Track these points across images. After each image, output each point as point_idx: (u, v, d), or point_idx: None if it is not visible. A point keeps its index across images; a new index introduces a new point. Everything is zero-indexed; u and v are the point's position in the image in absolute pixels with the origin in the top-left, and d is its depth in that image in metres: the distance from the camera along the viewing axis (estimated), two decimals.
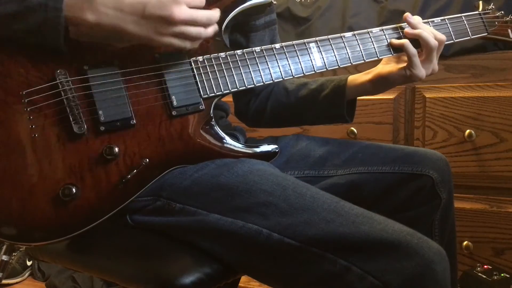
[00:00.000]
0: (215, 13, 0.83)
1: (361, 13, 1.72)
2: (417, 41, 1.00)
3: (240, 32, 1.10)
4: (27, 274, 2.09)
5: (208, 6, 0.92)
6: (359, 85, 1.07)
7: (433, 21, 1.06)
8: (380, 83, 1.06)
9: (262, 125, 1.19)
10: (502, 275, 1.38)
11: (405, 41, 1.00)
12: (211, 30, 0.83)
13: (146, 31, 0.77)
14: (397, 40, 1.01)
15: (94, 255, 0.88)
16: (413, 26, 1.01)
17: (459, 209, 1.51)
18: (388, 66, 1.04)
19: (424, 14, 1.59)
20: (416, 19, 1.02)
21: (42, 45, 0.77)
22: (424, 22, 1.03)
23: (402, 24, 1.03)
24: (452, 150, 1.55)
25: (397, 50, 1.02)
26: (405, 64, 1.01)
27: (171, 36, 0.79)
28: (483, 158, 1.52)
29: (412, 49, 0.99)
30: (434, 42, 0.99)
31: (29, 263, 2.09)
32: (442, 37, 1.01)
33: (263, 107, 1.16)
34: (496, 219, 1.53)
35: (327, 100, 1.09)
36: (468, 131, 1.52)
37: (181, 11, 0.77)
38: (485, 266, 1.44)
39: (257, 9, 0.98)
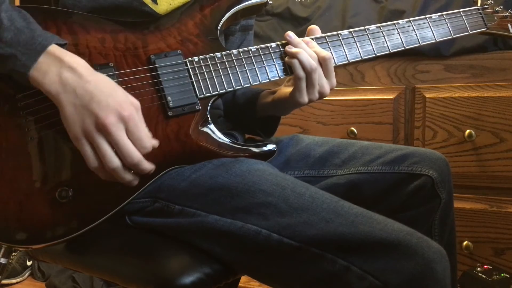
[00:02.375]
0: (147, 165, 0.76)
1: (361, 13, 1.72)
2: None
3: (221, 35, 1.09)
4: (27, 274, 2.09)
5: (204, 7, 0.93)
6: (264, 104, 1.04)
7: (315, 38, 0.95)
8: (276, 106, 1.01)
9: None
10: (502, 275, 1.38)
11: (294, 61, 0.90)
12: (127, 176, 0.76)
13: (76, 119, 0.73)
14: (289, 59, 0.92)
15: (94, 255, 0.88)
16: (293, 45, 0.92)
17: (459, 209, 1.51)
18: (284, 88, 0.99)
19: (424, 13, 1.58)
20: (297, 39, 0.92)
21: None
22: (313, 38, 0.95)
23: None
24: (452, 150, 1.55)
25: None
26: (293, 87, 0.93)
27: (91, 141, 0.73)
28: (483, 158, 1.52)
29: (299, 72, 0.90)
30: (310, 64, 0.89)
31: (29, 263, 2.09)
32: (325, 55, 0.91)
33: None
34: (496, 219, 1.53)
35: (241, 109, 1.07)
36: (468, 131, 1.52)
37: (116, 126, 0.72)
38: (485, 266, 1.44)
39: (253, 10, 0.98)
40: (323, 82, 0.92)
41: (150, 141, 0.77)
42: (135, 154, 0.75)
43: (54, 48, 0.75)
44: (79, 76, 0.74)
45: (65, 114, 0.74)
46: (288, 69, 0.93)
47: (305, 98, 0.92)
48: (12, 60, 0.73)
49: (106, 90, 0.74)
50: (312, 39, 0.96)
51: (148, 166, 0.77)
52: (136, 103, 0.76)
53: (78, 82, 0.73)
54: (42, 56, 0.74)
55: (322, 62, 0.92)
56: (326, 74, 0.93)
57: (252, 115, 1.06)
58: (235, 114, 1.10)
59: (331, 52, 0.96)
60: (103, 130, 0.73)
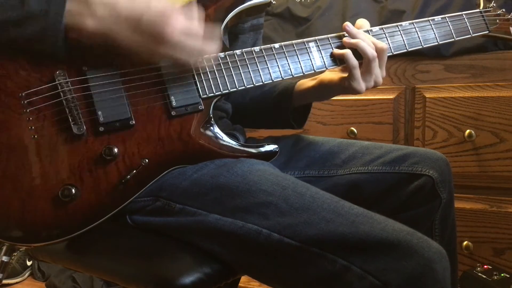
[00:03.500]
0: (215, 30, 0.82)
1: (361, 13, 1.72)
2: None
3: (228, 34, 1.09)
4: (27, 274, 2.09)
5: (208, 6, 0.93)
6: (304, 90, 1.06)
7: (371, 30, 1.00)
8: (321, 91, 1.04)
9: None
10: (502, 275, 1.38)
11: (346, 51, 0.95)
12: (211, 47, 0.82)
13: (140, 42, 0.77)
14: (339, 50, 0.96)
15: (94, 255, 0.88)
16: (352, 36, 0.96)
17: (459, 209, 1.51)
18: (331, 74, 1.02)
19: (424, 13, 1.59)
20: (355, 29, 0.97)
21: (41, 51, 0.77)
22: (365, 31, 0.99)
23: (345, 33, 0.98)
24: (452, 150, 1.55)
25: (341, 61, 0.97)
26: (346, 75, 0.97)
27: (164, 55, 0.79)
28: (483, 158, 1.52)
29: (353, 61, 0.94)
30: (372, 53, 0.94)
31: (29, 263, 2.09)
32: (382, 46, 0.96)
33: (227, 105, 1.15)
34: (496, 219, 1.53)
35: (274, 102, 1.09)
36: (468, 131, 1.52)
37: (175, 29, 0.77)
38: (485, 266, 1.44)
39: (257, 9, 0.98)
40: (378, 72, 0.96)
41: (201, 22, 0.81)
42: (202, 30, 0.79)
43: None
44: (112, 7, 0.75)
45: (126, 46, 0.77)
46: (337, 60, 0.96)
47: (362, 86, 0.96)
48: (43, 16, 0.73)
49: (143, 3, 0.76)
50: (368, 31, 0.99)
51: (217, 29, 0.85)
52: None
53: (115, 9, 0.75)
54: (68, 3, 0.74)
55: (379, 52, 0.95)
56: (381, 64, 0.96)
57: (288, 106, 1.07)
58: (265, 109, 1.11)
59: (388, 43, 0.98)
60: (169, 41, 0.77)
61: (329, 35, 0.98)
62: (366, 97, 1.67)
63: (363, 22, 1.00)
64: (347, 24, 0.97)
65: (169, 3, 0.77)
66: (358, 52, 0.95)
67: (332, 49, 0.97)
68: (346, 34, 0.97)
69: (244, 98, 1.13)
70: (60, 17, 0.74)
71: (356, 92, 0.96)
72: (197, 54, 0.82)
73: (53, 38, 0.75)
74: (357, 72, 0.95)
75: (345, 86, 0.97)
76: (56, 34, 0.75)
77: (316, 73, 0.99)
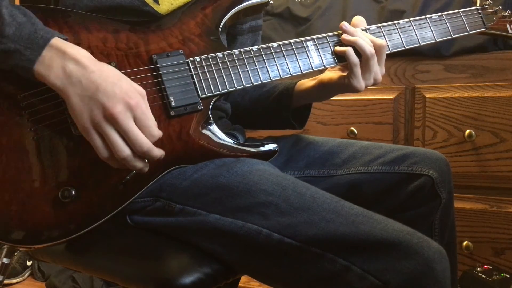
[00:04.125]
0: (157, 152, 0.76)
1: (361, 13, 1.69)
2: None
3: (227, 35, 1.09)
4: (27, 274, 2.09)
5: (206, 6, 0.93)
6: (304, 91, 1.06)
7: (369, 29, 1.00)
8: (321, 91, 1.04)
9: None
10: (502, 275, 1.38)
11: (348, 48, 0.95)
12: (139, 163, 0.76)
13: (84, 111, 0.73)
14: (340, 47, 0.96)
15: (94, 255, 0.88)
16: (349, 34, 0.96)
17: (459, 209, 1.51)
18: (331, 73, 1.02)
19: (424, 13, 1.58)
20: (352, 28, 0.97)
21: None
22: (363, 30, 0.99)
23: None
24: (452, 150, 1.55)
25: (340, 59, 0.97)
26: (346, 73, 0.97)
27: (100, 131, 0.73)
28: (483, 158, 1.52)
29: (354, 58, 0.94)
30: (370, 50, 0.94)
31: (29, 263, 2.09)
32: (381, 43, 0.96)
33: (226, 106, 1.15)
34: (496, 219, 1.53)
35: (274, 102, 1.09)
36: (468, 131, 1.52)
37: (124, 114, 0.72)
38: (485, 266, 1.44)
39: (254, 9, 0.98)
40: (377, 69, 0.96)
41: (158, 129, 0.77)
42: (145, 142, 0.74)
43: (56, 41, 0.75)
44: (83, 67, 0.74)
45: (72, 106, 0.74)
46: (336, 58, 0.97)
47: (362, 83, 0.96)
48: (16, 55, 0.73)
49: (111, 80, 0.74)
50: (366, 30, 0.99)
51: (158, 152, 0.77)
52: (142, 91, 0.76)
53: (83, 73, 0.73)
54: (46, 50, 0.73)
55: (378, 49, 0.95)
56: (380, 62, 0.96)
57: (288, 106, 1.07)
58: (265, 109, 1.10)
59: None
60: (111, 120, 0.73)
61: (327, 34, 0.98)
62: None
63: (359, 20, 1.00)
64: (344, 23, 0.97)
65: (134, 93, 0.74)
66: (357, 50, 0.95)
67: (331, 48, 0.97)
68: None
69: (243, 98, 1.13)
70: (32, 62, 0.73)
71: (356, 90, 0.96)
72: (121, 158, 0.74)
73: (26, 74, 0.75)
74: (358, 70, 0.95)
75: (345, 84, 0.97)
76: (27, 72, 0.74)
77: (315, 72, 0.98)
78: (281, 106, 1.09)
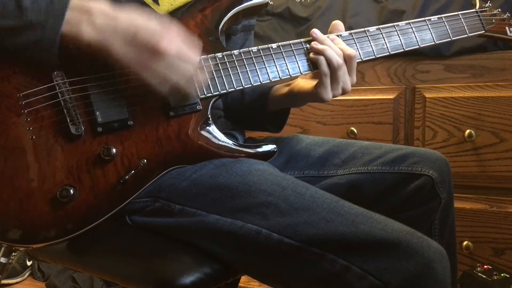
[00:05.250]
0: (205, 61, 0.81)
1: (361, 13, 1.72)
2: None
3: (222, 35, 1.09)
4: (27, 274, 2.09)
5: (205, 7, 0.93)
6: (278, 96, 1.06)
7: (341, 35, 0.97)
8: (292, 98, 1.03)
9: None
10: (502, 275, 1.38)
11: (320, 58, 0.92)
12: (202, 76, 0.82)
13: (132, 58, 0.77)
14: (314, 55, 0.94)
15: (94, 255, 0.88)
16: (319, 42, 0.94)
17: (459, 209, 1.51)
18: (302, 81, 1.01)
19: (424, 14, 1.59)
20: (322, 36, 0.95)
21: (33, 58, 0.77)
22: (337, 35, 0.97)
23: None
24: (452, 150, 1.55)
25: (316, 66, 0.94)
26: (316, 82, 0.95)
27: (155, 70, 0.78)
28: (483, 158, 1.52)
29: (325, 68, 0.92)
30: (337, 61, 0.91)
31: (29, 263, 2.09)
32: (350, 52, 0.93)
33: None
34: (496, 219, 1.53)
35: (250, 105, 1.09)
36: (468, 131, 1.52)
37: (169, 46, 0.76)
38: (485, 266, 1.44)
39: (254, 10, 0.98)
40: (347, 79, 0.94)
41: (199, 45, 0.81)
42: (195, 51, 0.80)
43: (76, 1, 0.75)
44: (112, 18, 0.76)
45: (118, 55, 0.76)
46: (311, 65, 0.94)
47: (329, 95, 0.93)
48: (39, 27, 0.73)
49: (142, 18, 0.77)
50: (338, 36, 0.97)
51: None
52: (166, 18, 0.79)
53: (115, 22, 0.75)
54: (68, 13, 0.74)
55: (347, 59, 0.93)
56: (350, 72, 0.94)
57: (262, 109, 1.07)
58: (243, 111, 1.10)
59: (356, 49, 0.97)
60: (162, 52, 0.76)
61: (302, 39, 0.96)
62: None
63: (338, 24, 0.98)
64: (315, 31, 0.95)
65: (168, 24, 0.77)
66: None
67: (306, 54, 0.95)
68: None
69: (226, 98, 1.13)
70: (57, 30, 0.74)
71: (323, 100, 0.94)
72: (188, 79, 0.80)
73: (48, 48, 0.75)
74: (327, 80, 0.92)
75: (313, 93, 0.95)
76: (52, 45, 0.75)
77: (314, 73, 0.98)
78: (256, 109, 1.08)
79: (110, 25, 0.75)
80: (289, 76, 0.94)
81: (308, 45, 0.95)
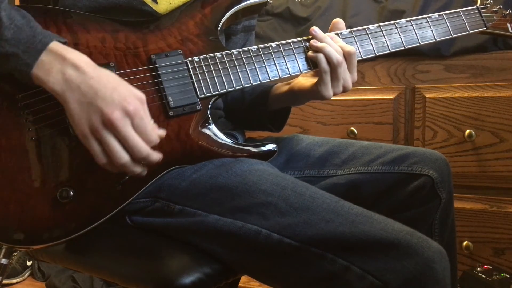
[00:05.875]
0: (155, 156, 0.76)
1: (361, 13, 1.72)
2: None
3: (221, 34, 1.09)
4: (27, 274, 2.09)
5: (205, 6, 0.93)
6: (279, 95, 1.06)
7: (340, 33, 0.97)
8: (293, 96, 1.03)
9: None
10: (502, 275, 1.38)
11: (319, 55, 0.92)
12: (137, 168, 0.76)
13: (82, 117, 0.72)
14: (313, 53, 0.94)
15: (94, 255, 0.88)
16: (318, 40, 0.94)
17: (459, 209, 1.51)
18: (303, 79, 1.01)
19: (424, 13, 1.58)
20: (322, 33, 0.95)
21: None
22: (336, 34, 0.97)
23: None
24: (452, 150, 1.55)
25: (315, 65, 0.94)
26: (316, 80, 0.95)
27: (98, 138, 0.73)
28: (483, 158, 1.52)
29: (324, 65, 0.92)
30: (337, 58, 0.91)
31: (29, 263, 2.09)
32: (350, 50, 0.93)
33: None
34: (496, 219, 1.53)
35: (250, 104, 1.09)
36: (468, 131, 1.52)
37: (121, 119, 0.72)
38: (485, 266, 1.44)
39: (253, 9, 0.98)
40: (347, 77, 0.94)
41: (156, 134, 0.77)
42: (143, 148, 0.74)
43: (55, 45, 0.74)
44: (82, 73, 0.73)
45: (70, 111, 0.73)
46: (310, 64, 0.94)
47: (330, 92, 0.93)
48: (13, 59, 0.73)
49: (110, 85, 0.74)
50: (337, 34, 0.97)
51: (156, 156, 0.77)
52: (141, 96, 0.76)
53: (83, 78, 0.73)
54: (44, 54, 0.73)
55: (347, 56, 0.93)
56: (350, 69, 0.94)
57: (263, 108, 1.07)
58: (243, 110, 1.10)
59: (356, 47, 0.97)
60: (110, 126, 0.72)
61: (302, 38, 0.96)
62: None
63: (338, 22, 0.99)
64: (314, 29, 0.95)
65: (134, 99, 0.74)
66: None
67: (305, 53, 0.95)
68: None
69: (226, 97, 1.13)
70: (30, 67, 0.73)
71: (323, 98, 0.94)
72: (119, 164, 0.74)
73: (22, 77, 0.75)
74: (328, 78, 0.92)
75: (314, 91, 0.95)
76: (24, 76, 0.74)
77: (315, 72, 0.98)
78: (257, 109, 1.08)
79: (76, 80, 0.73)
80: (289, 75, 0.94)
81: (307, 44, 0.95)
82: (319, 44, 0.93)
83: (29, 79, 0.74)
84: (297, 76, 0.96)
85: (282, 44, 0.94)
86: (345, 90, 0.95)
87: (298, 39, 0.96)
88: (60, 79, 0.73)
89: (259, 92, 1.08)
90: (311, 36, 0.96)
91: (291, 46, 0.95)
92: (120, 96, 0.73)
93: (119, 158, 0.74)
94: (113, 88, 0.73)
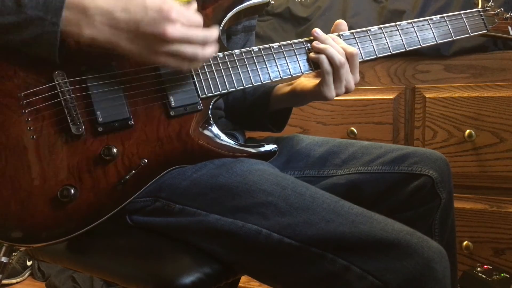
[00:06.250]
0: (213, 33, 0.80)
1: (361, 13, 1.72)
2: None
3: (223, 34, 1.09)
4: (27, 274, 2.09)
5: (206, 6, 0.93)
6: (280, 96, 1.06)
7: (342, 35, 0.98)
8: (295, 97, 1.03)
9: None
10: (502, 275, 1.38)
11: (321, 56, 0.93)
12: (209, 50, 0.80)
13: (140, 49, 0.76)
14: (314, 54, 0.95)
15: (94, 255, 0.88)
16: (321, 41, 0.94)
17: (459, 209, 1.51)
18: (305, 80, 1.01)
19: (424, 14, 1.59)
20: (324, 35, 0.95)
21: (37, 55, 0.77)
22: (337, 35, 0.98)
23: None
24: (452, 150, 1.55)
25: (317, 66, 0.95)
26: (318, 81, 0.95)
27: (166, 55, 0.77)
28: (483, 158, 1.52)
29: (327, 66, 0.92)
30: (339, 59, 0.91)
31: (29, 263, 2.09)
32: (352, 51, 0.93)
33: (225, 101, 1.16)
34: (496, 219, 1.53)
35: (251, 105, 1.09)
36: (468, 131, 1.52)
37: (175, 29, 0.75)
38: (485, 266, 1.44)
39: (255, 9, 0.98)
40: (350, 78, 0.94)
41: (200, 18, 0.79)
42: (201, 34, 0.78)
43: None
44: (110, 13, 0.75)
45: (127, 51, 0.76)
46: (312, 65, 0.95)
47: (332, 93, 0.94)
48: (38, 22, 0.73)
49: (139, 8, 0.75)
50: (339, 35, 0.97)
51: (215, 32, 0.81)
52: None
53: (113, 18, 0.75)
54: (65, 11, 0.74)
55: (349, 58, 0.94)
56: (352, 70, 0.94)
57: (264, 108, 1.07)
58: (244, 110, 1.10)
59: (358, 48, 0.97)
60: (171, 41, 0.75)
61: (303, 39, 0.96)
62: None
63: (341, 23, 0.99)
64: (316, 30, 0.95)
65: (167, 7, 0.76)
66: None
67: (306, 54, 0.95)
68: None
69: (228, 97, 1.13)
70: (56, 25, 0.74)
71: (326, 99, 0.94)
72: (197, 59, 0.80)
73: (49, 44, 0.75)
74: (330, 78, 0.93)
75: (316, 92, 0.95)
76: (52, 41, 0.75)
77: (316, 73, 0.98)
78: (258, 109, 1.08)
79: (109, 24, 0.75)
80: (290, 76, 0.94)
81: (309, 45, 0.95)
82: (321, 46, 0.93)
83: (57, 41, 0.74)
84: (298, 77, 0.96)
85: (284, 45, 0.94)
86: (347, 91, 0.95)
87: (299, 40, 0.96)
88: (94, 30, 0.75)
89: (261, 92, 1.08)
90: (312, 38, 0.96)
91: (293, 47, 0.95)
92: (156, 12, 0.75)
93: (194, 55, 0.78)
94: (144, 8, 0.75)
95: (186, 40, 0.77)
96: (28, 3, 0.73)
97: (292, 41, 0.95)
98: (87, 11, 0.74)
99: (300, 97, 1.02)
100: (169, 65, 0.79)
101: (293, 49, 0.95)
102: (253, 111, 1.09)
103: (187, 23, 0.77)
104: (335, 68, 0.92)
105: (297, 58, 0.95)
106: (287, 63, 0.94)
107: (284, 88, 1.05)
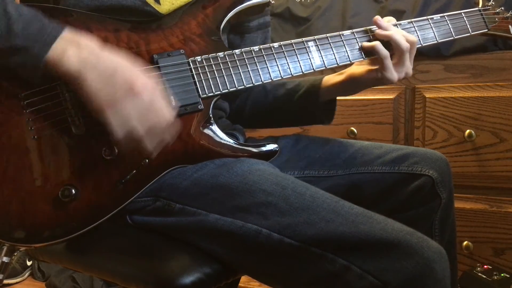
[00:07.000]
0: (176, 123, 0.79)
1: (361, 13, 1.72)
2: (388, 44, 0.98)
3: (235, 33, 1.09)
4: (27, 274, 2.09)
5: (207, 6, 0.93)
6: (331, 86, 1.06)
7: (400, 24, 1.02)
8: (351, 85, 1.04)
9: (242, 125, 1.16)
10: (502, 275, 1.38)
11: (376, 43, 0.97)
12: (167, 135, 0.78)
13: (103, 94, 0.73)
14: (368, 42, 0.99)
15: (94, 255, 0.88)
16: (384, 28, 0.98)
17: (459, 209, 1.51)
18: (360, 67, 1.02)
19: (424, 13, 1.59)
20: (386, 22, 1.00)
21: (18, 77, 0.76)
22: (394, 25, 1.01)
23: (371, 27, 1.01)
24: (452, 150, 1.55)
25: (368, 53, 0.99)
26: (377, 67, 0.98)
27: (120, 108, 0.73)
28: (483, 158, 1.52)
29: (384, 51, 0.96)
30: (405, 44, 0.96)
31: (29, 263, 2.09)
32: (413, 39, 0.98)
33: (243, 106, 1.16)
34: (496, 219, 1.53)
35: (301, 100, 1.09)
36: (468, 131, 1.52)
37: (146, 88, 0.75)
38: (485, 266, 1.44)
39: (256, 9, 0.98)
40: (409, 64, 0.99)
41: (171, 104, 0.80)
42: (169, 112, 0.77)
43: (68, 33, 0.75)
44: (96, 54, 0.74)
45: (88, 87, 0.73)
46: (362, 53, 0.99)
47: (395, 75, 0.97)
48: (22, 52, 0.72)
49: (126, 62, 0.76)
50: (397, 25, 1.01)
51: (177, 126, 0.80)
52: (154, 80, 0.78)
53: (98, 59, 0.74)
54: (57, 41, 0.73)
55: (411, 44, 0.97)
56: (411, 57, 0.99)
57: (316, 100, 1.08)
58: (272, 108, 1.11)
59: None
60: (136, 92, 0.74)
61: (354, 30, 1.00)
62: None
63: (388, 19, 1.02)
64: (378, 18, 0.99)
65: (151, 76, 0.77)
66: (385, 44, 0.97)
67: (358, 43, 0.99)
68: (375, 29, 0.99)
69: (267, 97, 1.13)
70: (41, 56, 0.73)
71: (389, 82, 0.98)
72: (150, 132, 0.76)
73: (30, 71, 0.74)
74: (389, 62, 0.96)
75: (377, 77, 0.98)
76: (34, 69, 0.74)
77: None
78: (308, 104, 1.09)
79: (92, 60, 0.74)
80: (290, 75, 0.94)
81: (359, 35, 0.99)
82: (387, 32, 0.97)
83: (39, 68, 0.73)
84: (298, 76, 0.96)
85: (284, 45, 0.94)
86: (406, 76, 0.99)
87: (299, 40, 0.96)
88: (75, 60, 0.73)
89: (307, 87, 1.09)
90: (363, 29, 1.00)
91: (293, 47, 0.95)
92: (139, 69, 0.76)
93: (162, 115, 0.76)
94: (131, 63, 0.76)
95: (150, 102, 0.75)
96: (20, 32, 0.71)
97: (292, 41, 0.95)
98: (79, 44, 0.74)
99: (357, 83, 1.03)
100: (110, 123, 0.74)
101: (294, 49, 0.95)
102: (302, 106, 1.09)
103: (162, 93, 0.77)
104: (401, 52, 0.96)
105: (297, 58, 0.95)
106: (287, 62, 0.94)
107: (336, 78, 1.06)
